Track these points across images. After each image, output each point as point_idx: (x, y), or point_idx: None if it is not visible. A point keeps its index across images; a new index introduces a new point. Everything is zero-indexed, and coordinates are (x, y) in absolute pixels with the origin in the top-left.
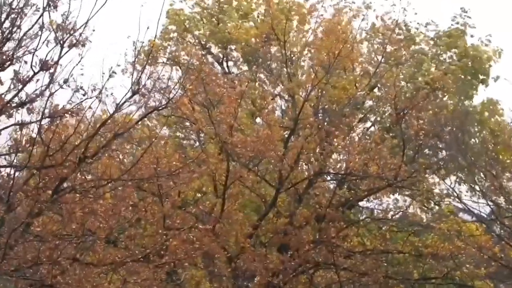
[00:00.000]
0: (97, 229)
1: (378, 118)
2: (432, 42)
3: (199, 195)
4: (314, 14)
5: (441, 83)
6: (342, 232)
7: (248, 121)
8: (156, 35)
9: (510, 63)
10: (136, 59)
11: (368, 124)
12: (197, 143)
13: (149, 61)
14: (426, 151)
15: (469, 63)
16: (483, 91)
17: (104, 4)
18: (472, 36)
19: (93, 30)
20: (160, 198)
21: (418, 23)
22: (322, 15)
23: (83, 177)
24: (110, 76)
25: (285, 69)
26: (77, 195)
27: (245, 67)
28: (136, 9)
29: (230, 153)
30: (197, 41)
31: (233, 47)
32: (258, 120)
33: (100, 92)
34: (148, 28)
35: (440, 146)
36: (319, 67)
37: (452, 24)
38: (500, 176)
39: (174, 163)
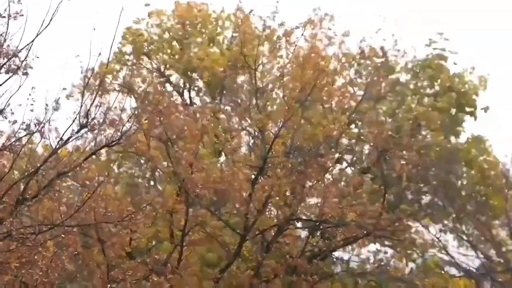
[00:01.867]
0: (35, 284)
1: (356, 159)
2: (411, 72)
3: (153, 242)
4: (290, 39)
5: (426, 119)
6: (315, 286)
7: (211, 158)
8: (108, 59)
9: (495, 88)
10: (86, 87)
11: (344, 164)
12: (153, 183)
13: (100, 89)
14: (409, 196)
15: (454, 96)
16: (471, 124)
17: (48, 25)
18: (455, 63)
19: (36, 57)
20: (102, 245)
21: (397, 50)
22: (296, 41)
23: (20, 222)
24: (55, 109)
25: (254, 100)
26: (13, 242)
27: (209, 98)
28: (87, 30)
29: (189, 194)
30: (155, 67)
31: (196, 75)
32: (222, 158)
33: (43, 126)
34: (100, 54)
35: (425, 190)
36: (292, 99)
37: (430, 52)
38: (490, 224)
39: (125, 206)
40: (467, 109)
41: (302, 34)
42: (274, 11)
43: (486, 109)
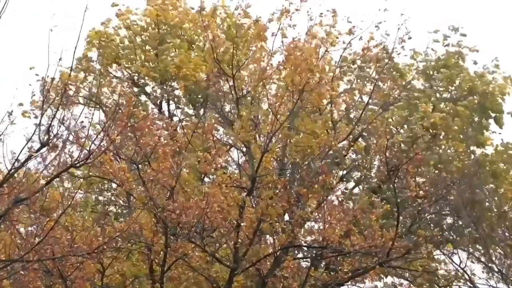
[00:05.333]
0: None
1: (363, 176)
2: (424, 75)
3: (130, 279)
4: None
5: (444, 128)
6: None
7: (192, 180)
8: (72, 66)
9: None
10: (45, 99)
11: (351, 184)
12: (127, 210)
13: (63, 101)
14: (428, 218)
15: (476, 99)
16: (497, 131)
17: None
18: (475, 62)
19: None
20: (67, 284)
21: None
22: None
23: None
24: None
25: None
26: None
27: (191, 110)
28: (44, 34)
29: (167, 223)
30: (127, 75)
31: (175, 84)
32: (206, 179)
33: None
34: (60, 59)
35: (445, 212)
36: (280, 105)
37: (445, 50)
38: None
39: (95, 237)
40: (492, 114)
41: (278, 29)
42: (246, 5)
43: None
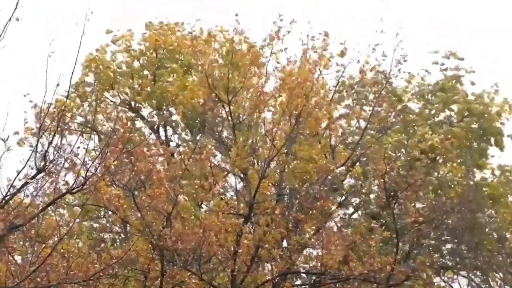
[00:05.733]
0: None
1: (362, 202)
2: (421, 99)
3: None
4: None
5: (442, 151)
6: None
7: (189, 206)
8: (68, 92)
9: None
10: (42, 125)
11: (350, 209)
12: (124, 236)
13: (59, 127)
14: (427, 244)
15: (475, 122)
16: (497, 155)
17: None
18: (472, 83)
19: None
20: None
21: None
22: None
23: None
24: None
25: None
26: None
27: (188, 135)
28: (41, 59)
29: (162, 250)
30: (123, 100)
31: (172, 109)
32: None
33: None
34: (58, 85)
35: (445, 237)
36: (276, 131)
37: (442, 74)
38: None
39: (91, 264)
40: (492, 138)
41: (271, 53)
42: (241, 30)
43: None
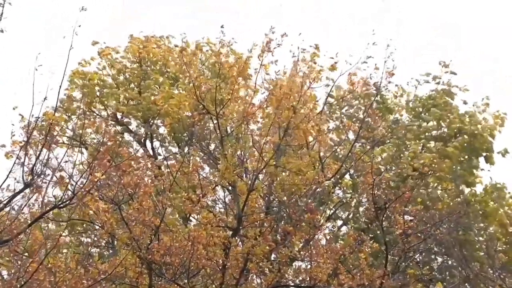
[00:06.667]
0: None
1: (351, 215)
2: (413, 113)
3: None
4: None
5: (434, 168)
6: None
7: (177, 220)
8: (56, 106)
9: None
10: (29, 139)
11: (339, 222)
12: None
13: (47, 141)
14: (416, 257)
15: (466, 142)
16: (487, 171)
17: None
18: (465, 102)
19: None
20: None
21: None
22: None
23: None
24: None
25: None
26: None
27: (175, 148)
28: (28, 73)
29: (150, 264)
30: (110, 113)
31: (159, 122)
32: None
33: None
34: (45, 99)
35: (435, 250)
36: (264, 143)
37: (434, 88)
38: None
39: (78, 279)
40: (482, 154)
41: (261, 65)
42: (229, 42)
43: (504, 152)
